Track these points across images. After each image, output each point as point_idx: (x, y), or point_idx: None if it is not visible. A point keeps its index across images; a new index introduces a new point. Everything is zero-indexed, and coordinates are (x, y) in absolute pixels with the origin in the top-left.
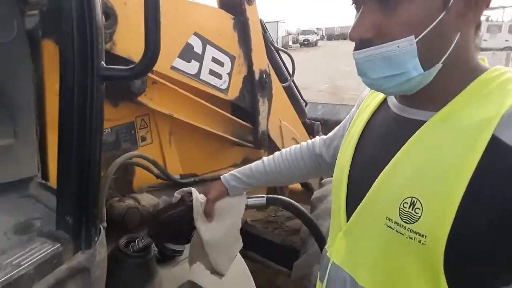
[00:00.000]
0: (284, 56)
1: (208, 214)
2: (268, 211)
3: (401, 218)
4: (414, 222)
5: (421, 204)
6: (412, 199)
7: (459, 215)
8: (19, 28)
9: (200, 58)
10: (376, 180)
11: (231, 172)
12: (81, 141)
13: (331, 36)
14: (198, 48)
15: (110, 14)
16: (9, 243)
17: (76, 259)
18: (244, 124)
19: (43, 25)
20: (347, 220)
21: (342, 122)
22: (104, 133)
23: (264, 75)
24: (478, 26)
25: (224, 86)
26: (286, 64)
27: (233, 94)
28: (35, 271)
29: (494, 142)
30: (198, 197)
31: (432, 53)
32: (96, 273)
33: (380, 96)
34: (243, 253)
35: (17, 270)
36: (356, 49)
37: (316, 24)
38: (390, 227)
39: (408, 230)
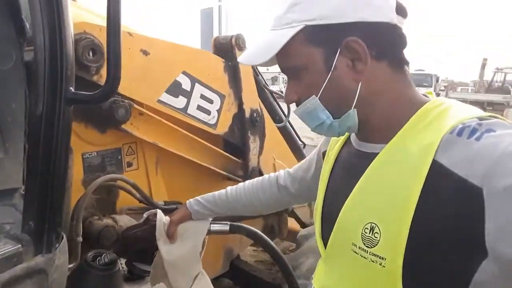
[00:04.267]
0: None
1: (170, 235)
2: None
3: (364, 243)
4: (374, 246)
5: (379, 229)
6: (371, 224)
7: (411, 236)
8: (17, 59)
9: (188, 95)
10: (341, 209)
11: (196, 197)
12: (46, 157)
13: None
14: (186, 85)
15: (96, 50)
16: None
17: (35, 261)
18: (234, 159)
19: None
20: (325, 248)
21: (308, 156)
22: (90, 156)
23: (255, 114)
24: (399, 66)
25: (212, 122)
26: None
27: (222, 129)
28: None
29: (435, 166)
30: (162, 218)
31: (338, 103)
32: (54, 276)
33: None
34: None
35: None
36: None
37: None
38: (355, 252)
39: (370, 254)
